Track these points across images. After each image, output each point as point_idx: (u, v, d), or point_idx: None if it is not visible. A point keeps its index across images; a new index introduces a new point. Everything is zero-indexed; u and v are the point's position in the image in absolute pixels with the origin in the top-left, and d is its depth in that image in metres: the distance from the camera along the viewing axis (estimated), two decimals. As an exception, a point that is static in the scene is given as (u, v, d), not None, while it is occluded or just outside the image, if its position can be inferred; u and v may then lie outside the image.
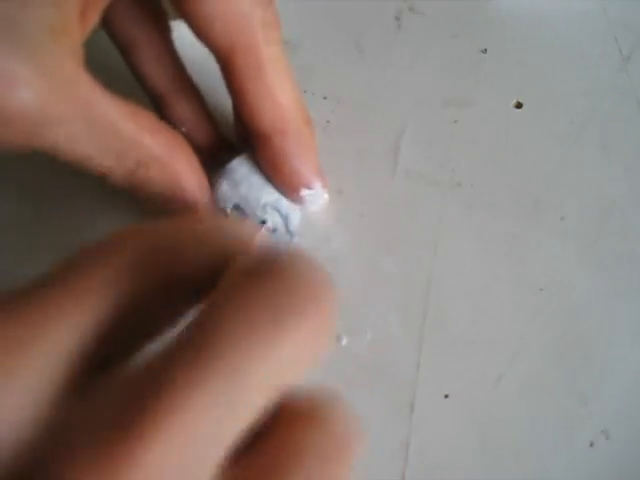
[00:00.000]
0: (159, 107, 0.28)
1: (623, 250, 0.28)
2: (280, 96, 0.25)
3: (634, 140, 0.32)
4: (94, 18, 0.22)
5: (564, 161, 0.31)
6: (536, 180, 0.30)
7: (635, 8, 0.36)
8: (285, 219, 0.27)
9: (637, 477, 0.24)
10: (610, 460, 0.24)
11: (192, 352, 0.11)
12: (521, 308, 0.27)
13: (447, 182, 0.30)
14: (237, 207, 0.26)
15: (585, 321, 0.27)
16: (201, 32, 0.24)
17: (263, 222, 0.27)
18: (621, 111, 0.32)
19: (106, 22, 0.26)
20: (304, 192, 0.27)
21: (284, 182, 0.27)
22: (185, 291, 0.14)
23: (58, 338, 0.13)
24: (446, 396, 0.25)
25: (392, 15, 0.34)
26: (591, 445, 0.24)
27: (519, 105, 0.32)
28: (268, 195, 0.27)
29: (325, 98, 0.31)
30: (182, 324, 0.13)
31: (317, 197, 0.28)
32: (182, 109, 0.28)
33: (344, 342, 0.26)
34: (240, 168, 0.27)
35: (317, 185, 0.27)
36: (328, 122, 0.31)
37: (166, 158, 0.23)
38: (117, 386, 0.12)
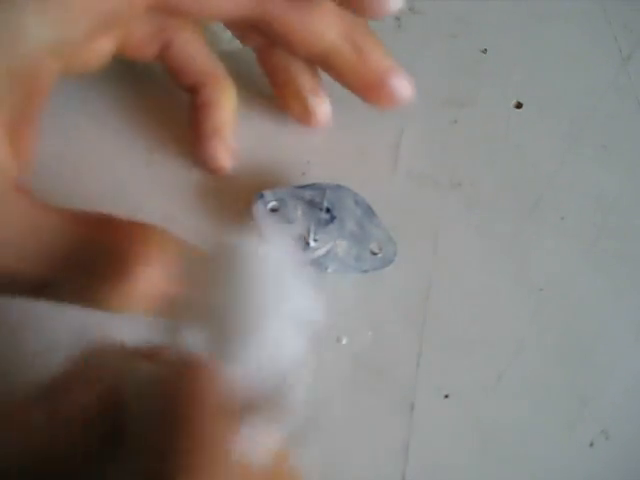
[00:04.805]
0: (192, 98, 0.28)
1: (623, 250, 0.28)
2: (325, 4, 0.26)
3: (634, 140, 0.32)
4: (28, 140, 0.22)
5: (564, 161, 0.31)
6: (536, 180, 0.30)
7: (635, 8, 0.36)
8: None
9: (637, 477, 0.24)
10: (610, 460, 0.24)
11: None
12: (521, 308, 0.27)
13: (447, 182, 0.30)
14: None
15: (585, 321, 0.27)
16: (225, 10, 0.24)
17: None
18: (621, 111, 0.32)
19: None
20: (394, 82, 0.27)
21: (370, 81, 0.27)
22: None
23: None
24: (446, 396, 0.25)
25: (392, 15, 0.34)
26: (591, 445, 0.24)
27: (519, 105, 0.32)
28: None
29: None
30: None
31: (405, 85, 0.27)
32: (210, 95, 0.28)
33: (344, 342, 0.26)
34: None
35: (399, 71, 0.27)
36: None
37: (121, 259, 0.21)
38: None
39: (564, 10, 0.35)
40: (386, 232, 0.27)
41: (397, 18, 0.34)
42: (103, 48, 0.25)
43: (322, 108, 0.29)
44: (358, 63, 0.27)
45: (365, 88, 0.28)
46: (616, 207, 0.29)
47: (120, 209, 0.26)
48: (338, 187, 0.27)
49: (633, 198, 0.30)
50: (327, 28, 0.26)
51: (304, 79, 0.28)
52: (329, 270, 0.26)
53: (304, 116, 0.29)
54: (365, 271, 0.26)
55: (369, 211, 0.27)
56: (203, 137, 0.28)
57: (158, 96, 0.31)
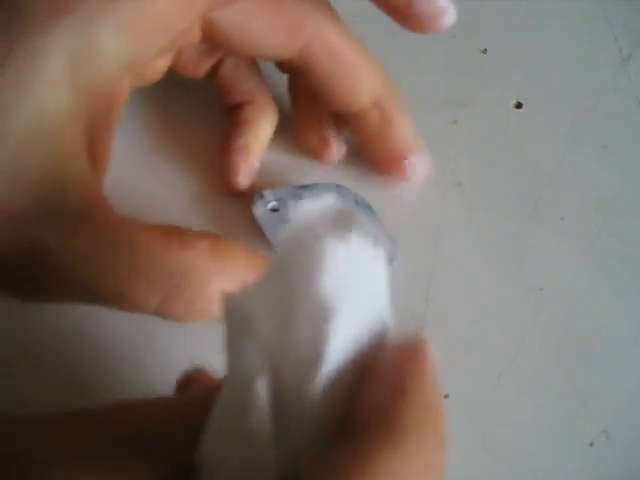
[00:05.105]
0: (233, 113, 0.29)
1: (623, 250, 0.28)
2: (366, 66, 0.26)
3: (634, 140, 0.32)
4: (105, 148, 0.22)
5: (564, 161, 0.31)
6: (536, 180, 0.30)
7: (635, 8, 0.36)
8: None
9: (637, 477, 0.24)
10: (610, 460, 0.24)
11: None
12: (521, 308, 0.27)
13: (447, 182, 0.30)
14: None
15: (585, 321, 0.27)
16: (269, 49, 0.24)
17: None
18: (621, 111, 0.32)
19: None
20: (410, 160, 0.27)
21: (390, 154, 0.27)
22: None
23: None
24: (446, 396, 0.25)
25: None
26: (591, 445, 0.24)
27: (519, 105, 0.32)
28: None
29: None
30: None
31: (422, 164, 0.27)
32: (251, 113, 0.28)
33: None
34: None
35: (419, 150, 0.27)
36: (328, 122, 0.31)
37: (197, 275, 0.22)
38: None
39: (564, 10, 0.35)
40: (386, 232, 0.27)
41: (397, 18, 0.34)
42: (161, 65, 0.26)
43: (339, 144, 0.29)
44: (383, 133, 0.27)
45: (383, 158, 0.28)
46: (616, 207, 0.29)
47: (118, 210, 0.26)
48: (338, 187, 0.27)
49: (633, 198, 0.30)
50: (365, 91, 0.26)
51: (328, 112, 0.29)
52: None
53: (319, 147, 0.29)
54: None
55: (369, 211, 0.27)
56: (231, 151, 0.28)
57: (157, 95, 0.31)
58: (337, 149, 0.29)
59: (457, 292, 0.27)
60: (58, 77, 0.19)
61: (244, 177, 0.28)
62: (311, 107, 0.29)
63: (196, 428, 0.14)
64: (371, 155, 0.28)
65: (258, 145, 0.28)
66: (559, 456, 0.24)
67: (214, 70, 0.28)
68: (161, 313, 0.21)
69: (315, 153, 0.29)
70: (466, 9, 0.35)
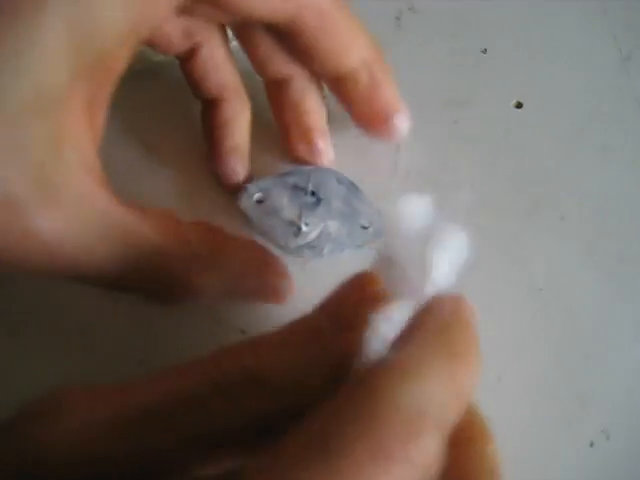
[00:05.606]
0: (208, 110, 0.28)
1: (623, 250, 0.28)
2: (357, 27, 0.26)
3: (634, 140, 0.32)
4: (100, 120, 0.22)
5: (564, 161, 0.31)
6: (536, 180, 0.30)
7: (635, 8, 0.36)
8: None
9: (637, 477, 0.24)
10: (610, 460, 0.24)
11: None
12: (521, 308, 0.27)
13: (447, 182, 0.30)
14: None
15: (585, 321, 0.27)
16: (261, 11, 0.24)
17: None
18: (621, 111, 0.32)
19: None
20: (397, 120, 0.27)
21: (377, 114, 0.27)
22: None
23: None
24: (446, 396, 0.25)
25: (392, 15, 0.34)
26: (591, 445, 0.24)
27: (519, 105, 0.32)
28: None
29: (325, 97, 0.31)
30: None
31: (404, 124, 0.28)
32: (232, 112, 0.28)
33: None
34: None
35: (404, 111, 0.27)
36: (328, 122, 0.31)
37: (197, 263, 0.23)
38: None
39: (564, 10, 0.35)
40: (373, 206, 0.27)
41: (397, 18, 0.34)
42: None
43: (328, 152, 0.29)
44: (370, 95, 0.27)
45: (369, 119, 0.28)
46: (616, 207, 0.29)
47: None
48: (320, 169, 0.28)
49: (633, 198, 0.30)
50: (354, 52, 0.26)
51: (314, 119, 0.28)
52: (325, 251, 0.26)
53: (308, 158, 0.29)
54: (359, 246, 0.27)
55: (353, 187, 0.28)
56: (223, 154, 0.28)
57: (155, 94, 0.31)
58: (327, 156, 0.29)
59: (457, 292, 0.27)
60: (57, 54, 0.19)
61: (242, 176, 0.28)
62: (296, 116, 0.28)
63: None
64: (357, 118, 0.28)
65: (246, 143, 0.28)
66: (559, 456, 0.24)
67: (187, 59, 0.27)
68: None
69: (305, 161, 0.29)
70: (466, 9, 0.35)
